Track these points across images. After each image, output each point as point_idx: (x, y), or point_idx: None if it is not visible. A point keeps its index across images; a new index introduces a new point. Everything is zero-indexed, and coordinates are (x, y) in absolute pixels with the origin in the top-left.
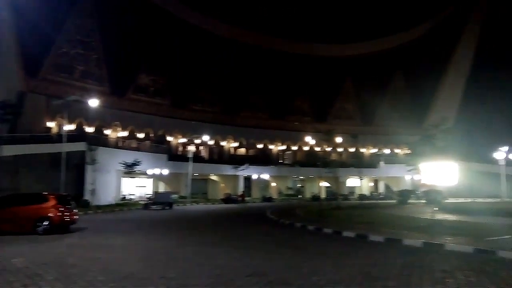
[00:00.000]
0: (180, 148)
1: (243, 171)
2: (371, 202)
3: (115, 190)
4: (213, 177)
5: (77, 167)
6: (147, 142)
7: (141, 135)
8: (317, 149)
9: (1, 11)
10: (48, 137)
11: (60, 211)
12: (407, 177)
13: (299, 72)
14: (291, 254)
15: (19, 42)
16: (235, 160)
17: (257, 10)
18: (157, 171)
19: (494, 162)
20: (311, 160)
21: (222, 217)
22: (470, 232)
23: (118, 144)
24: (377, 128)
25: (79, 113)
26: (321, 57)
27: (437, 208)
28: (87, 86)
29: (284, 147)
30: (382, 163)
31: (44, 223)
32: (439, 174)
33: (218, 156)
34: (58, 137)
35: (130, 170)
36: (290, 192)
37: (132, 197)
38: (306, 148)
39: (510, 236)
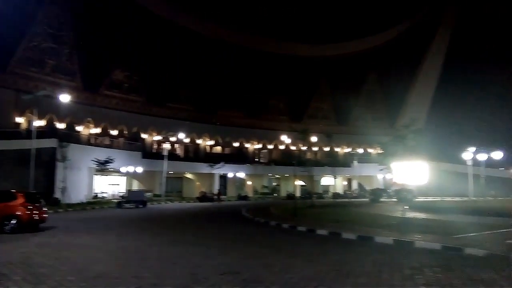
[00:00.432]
0: (155, 146)
1: (219, 170)
2: (344, 201)
3: (87, 188)
4: (189, 175)
5: (47, 164)
6: (121, 139)
7: (114, 132)
8: (293, 148)
9: None
10: (17, 133)
11: (29, 210)
12: (380, 176)
13: (275, 71)
14: (265, 252)
15: None
16: (211, 159)
17: (235, 9)
18: (131, 169)
19: (462, 162)
20: (287, 159)
21: (196, 216)
22: (439, 230)
23: (91, 141)
24: (351, 128)
25: (50, 109)
26: (298, 57)
27: (407, 207)
28: (58, 81)
29: (260, 145)
30: (355, 163)
31: (11, 221)
32: (410, 173)
33: (193, 154)
34: (28, 133)
35: (103, 167)
36: (266, 190)
37: (104, 195)
38: (281, 147)
39: (476, 234)
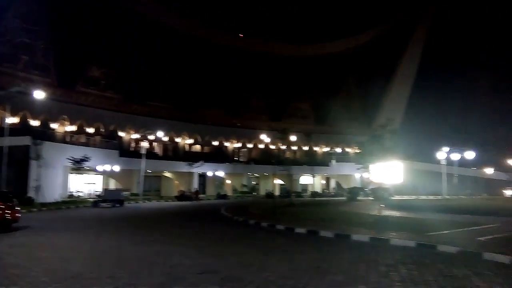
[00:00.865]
0: (133, 144)
1: (198, 168)
2: (322, 199)
3: (61, 187)
4: (167, 174)
5: (20, 162)
6: (97, 137)
7: (91, 130)
8: (272, 147)
9: None
10: None
11: (1, 209)
12: (357, 175)
13: (255, 70)
14: (244, 251)
15: None
16: (190, 157)
17: (216, 7)
18: (107, 167)
19: (436, 161)
20: (266, 158)
21: (175, 215)
22: (413, 228)
23: (66, 139)
24: (330, 127)
25: (24, 106)
26: (278, 57)
27: (383, 205)
28: (32, 77)
29: (239, 144)
30: (333, 162)
31: None
32: (386, 172)
33: (172, 153)
34: (0, 131)
35: (79, 166)
36: (245, 189)
37: (80, 194)
38: (261, 146)
39: (448, 231)
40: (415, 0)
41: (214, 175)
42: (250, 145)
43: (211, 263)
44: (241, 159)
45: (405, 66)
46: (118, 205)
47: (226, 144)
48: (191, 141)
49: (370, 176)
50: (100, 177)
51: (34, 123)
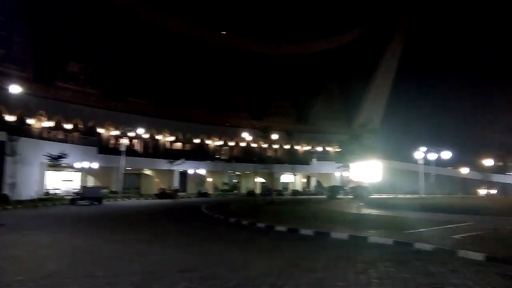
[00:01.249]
0: (112, 141)
1: (179, 166)
2: (303, 198)
3: (38, 184)
4: (147, 172)
5: None
6: (76, 133)
7: (69, 126)
8: (254, 145)
9: None
10: None
11: None
12: (337, 174)
13: (238, 68)
14: (224, 249)
15: None
16: (171, 155)
17: (198, 4)
18: (85, 164)
19: (414, 161)
20: (248, 156)
21: (155, 213)
22: (391, 226)
23: (43, 135)
24: (311, 126)
25: None
26: (260, 55)
27: (362, 203)
28: (8, 71)
29: (221, 142)
30: (314, 160)
31: None
32: (365, 171)
33: (153, 150)
34: None
35: (56, 163)
36: (226, 187)
37: (57, 191)
38: (243, 144)
39: (425, 229)
40: (392, 6)
41: (195, 173)
42: (231, 143)
43: (191, 261)
44: (222, 157)
45: (385, 67)
46: (96, 203)
47: (208, 142)
48: (172, 138)
49: (350, 175)
50: (78, 174)
51: (10, 118)
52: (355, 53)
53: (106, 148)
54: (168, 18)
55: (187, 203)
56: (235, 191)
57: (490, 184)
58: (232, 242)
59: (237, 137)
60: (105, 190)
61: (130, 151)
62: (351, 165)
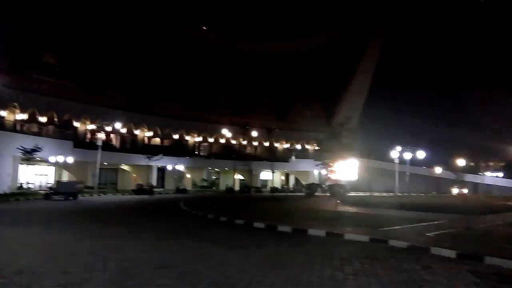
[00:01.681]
0: (88, 135)
1: (157, 162)
2: (282, 195)
3: (10, 178)
4: (124, 167)
5: None
6: (51, 127)
7: (43, 119)
8: (233, 142)
9: None
10: None
11: None
12: (315, 172)
13: (218, 64)
14: (202, 246)
15: None
16: (149, 150)
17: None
18: (60, 158)
19: (390, 160)
20: (227, 153)
21: (131, 209)
22: (367, 223)
23: (16, 128)
24: (291, 124)
25: None
26: (240, 52)
27: (339, 201)
28: None
29: (200, 138)
30: (293, 158)
31: None
32: (343, 170)
33: (130, 145)
34: None
35: (30, 156)
36: (205, 184)
37: (30, 186)
38: (222, 141)
39: (399, 227)
40: (372, 12)
41: (173, 168)
42: (211, 140)
43: (168, 257)
44: (201, 153)
45: (363, 67)
46: (71, 198)
47: (187, 137)
48: (150, 133)
49: (328, 173)
50: (53, 168)
51: None
52: (336, 52)
53: (82, 142)
54: (148, 12)
55: (165, 199)
56: (214, 188)
57: (462, 184)
58: (210, 238)
59: (216, 134)
60: (80, 185)
61: (107, 145)
62: (329, 163)
